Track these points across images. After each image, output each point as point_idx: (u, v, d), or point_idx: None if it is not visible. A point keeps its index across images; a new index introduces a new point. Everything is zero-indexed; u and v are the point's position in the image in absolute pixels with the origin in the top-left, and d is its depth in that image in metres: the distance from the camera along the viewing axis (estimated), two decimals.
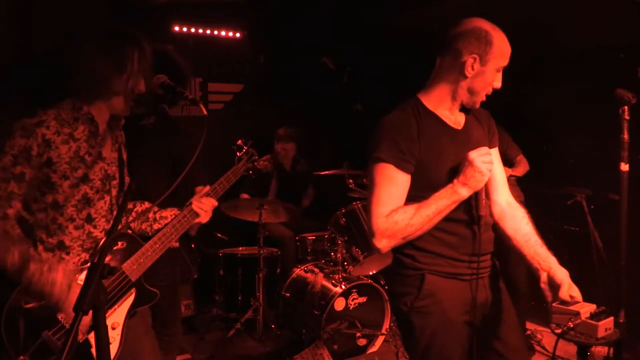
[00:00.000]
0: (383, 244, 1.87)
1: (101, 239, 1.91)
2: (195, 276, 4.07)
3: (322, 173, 4.48)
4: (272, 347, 3.93)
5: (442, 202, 1.84)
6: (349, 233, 3.94)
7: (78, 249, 1.86)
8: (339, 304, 3.68)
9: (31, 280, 1.69)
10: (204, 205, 2.13)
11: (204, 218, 2.14)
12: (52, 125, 1.77)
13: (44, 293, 1.71)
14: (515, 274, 3.60)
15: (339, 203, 4.11)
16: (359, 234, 3.91)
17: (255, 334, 4.05)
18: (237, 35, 5.60)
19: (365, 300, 3.78)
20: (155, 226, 2.12)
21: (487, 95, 1.98)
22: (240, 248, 4.51)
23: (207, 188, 2.20)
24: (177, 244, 4.28)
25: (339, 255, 3.89)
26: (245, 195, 4.64)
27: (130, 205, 2.20)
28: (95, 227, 1.90)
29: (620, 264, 2.15)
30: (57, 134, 1.78)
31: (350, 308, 3.73)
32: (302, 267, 4.17)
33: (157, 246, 2.00)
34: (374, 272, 4.19)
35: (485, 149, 1.89)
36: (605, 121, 2.36)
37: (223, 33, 5.54)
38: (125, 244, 1.95)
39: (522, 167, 3.95)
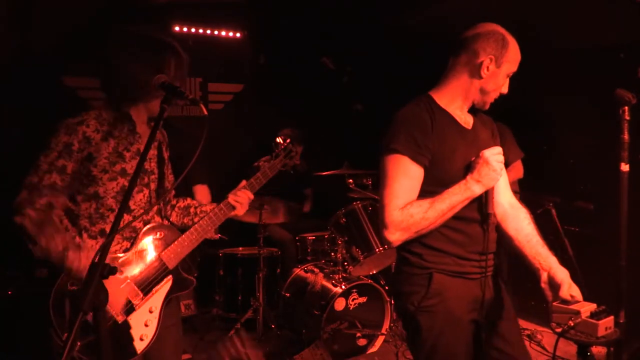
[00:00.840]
0: (396, 236, 1.86)
1: (140, 228, 2.04)
2: (196, 274, 4.07)
3: (322, 173, 4.47)
4: (272, 347, 3.92)
5: (455, 198, 1.86)
6: (349, 233, 3.94)
7: (118, 236, 2.00)
8: (339, 304, 3.68)
9: (70, 266, 1.83)
10: (239, 198, 2.23)
11: (240, 210, 2.24)
12: (91, 124, 1.95)
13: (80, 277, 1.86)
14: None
15: (339, 203, 4.11)
16: (359, 234, 3.91)
17: (255, 334, 4.05)
18: (237, 35, 5.61)
19: (365, 300, 3.78)
20: (196, 219, 2.24)
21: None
22: (240, 248, 4.51)
23: (244, 182, 2.31)
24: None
25: (339, 255, 3.89)
26: None
27: (173, 202, 2.34)
28: (134, 217, 2.04)
29: (620, 264, 2.15)
30: (96, 132, 1.95)
31: (350, 308, 3.73)
32: (302, 267, 4.17)
33: (194, 237, 2.12)
34: (374, 272, 4.19)
35: (498, 148, 1.93)
36: (605, 121, 2.36)
37: (223, 33, 5.55)
38: (163, 234, 2.07)
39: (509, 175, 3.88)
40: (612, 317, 1.80)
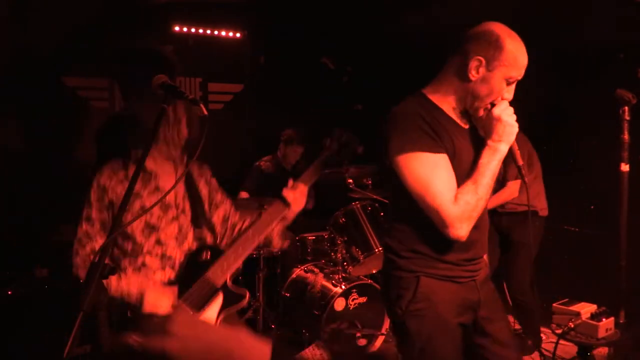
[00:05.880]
0: (464, 229, 1.78)
1: (174, 258, 2.10)
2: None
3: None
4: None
5: (492, 166, 1.81)
6: (349, 233, 3.94)
7: (157, 267, 2.08)
8: (339, 304, 3.68)
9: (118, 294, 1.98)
10: (292, 193, 2.13)
11: (295, 205, 2.14)
12: (105, 172, 2.08)
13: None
14: (521, 287, 3.59)
15: (339, 203, 4.11)
16: (359, 234, 3.91)
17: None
18: (237, 35, 5.60)
19: (365, 300, 3.78)
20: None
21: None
22: None
23: (291, 182, 2.20)
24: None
25: (339, 255, 3.89)
26: (244, 194, 4.63)
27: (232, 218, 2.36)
28: (166, 249, 2.11)
29: (620, 264, 2.15)
30: (109, 179, 2.07)
31: (350, 308, 3.73)
32: (302, 267, 4.17)
33: (239, 251, 2.08)
34: (374, 272, 4.19)
35: (505, 103, 1.85)
36: (605, 121, 2.36)
37: (223, 33, 5.54)
38: (209, 253, 2.13)
39: (496, 198, 3.63)
40: (612, 319, 1.80)
